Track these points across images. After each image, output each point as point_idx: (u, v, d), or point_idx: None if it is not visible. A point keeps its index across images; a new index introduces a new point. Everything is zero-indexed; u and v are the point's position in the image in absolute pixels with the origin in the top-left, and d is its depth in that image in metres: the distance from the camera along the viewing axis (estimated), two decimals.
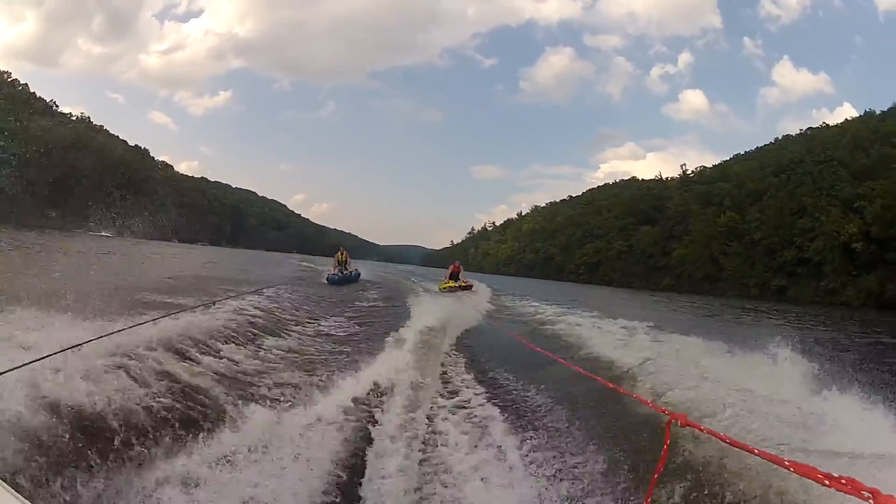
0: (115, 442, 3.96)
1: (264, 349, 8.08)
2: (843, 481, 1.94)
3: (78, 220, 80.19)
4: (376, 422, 5.23)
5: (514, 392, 7.12)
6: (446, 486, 4.17)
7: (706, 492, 3.54)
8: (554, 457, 4.71)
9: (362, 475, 4.19)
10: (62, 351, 4.15)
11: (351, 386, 6.25)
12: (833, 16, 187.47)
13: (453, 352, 9.78)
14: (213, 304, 9.30)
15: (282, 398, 5.77)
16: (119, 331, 5.13)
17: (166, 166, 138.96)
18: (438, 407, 6.19)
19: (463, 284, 22.47)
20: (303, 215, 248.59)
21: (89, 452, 3.71)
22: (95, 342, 4.60)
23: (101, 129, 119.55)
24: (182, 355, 6.12)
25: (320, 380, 6.61)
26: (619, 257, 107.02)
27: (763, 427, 4.17)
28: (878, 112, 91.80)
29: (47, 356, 3.93)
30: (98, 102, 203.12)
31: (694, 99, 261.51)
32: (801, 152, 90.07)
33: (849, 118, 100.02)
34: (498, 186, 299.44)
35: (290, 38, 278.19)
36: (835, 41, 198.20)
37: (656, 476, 3.06)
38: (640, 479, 3.80)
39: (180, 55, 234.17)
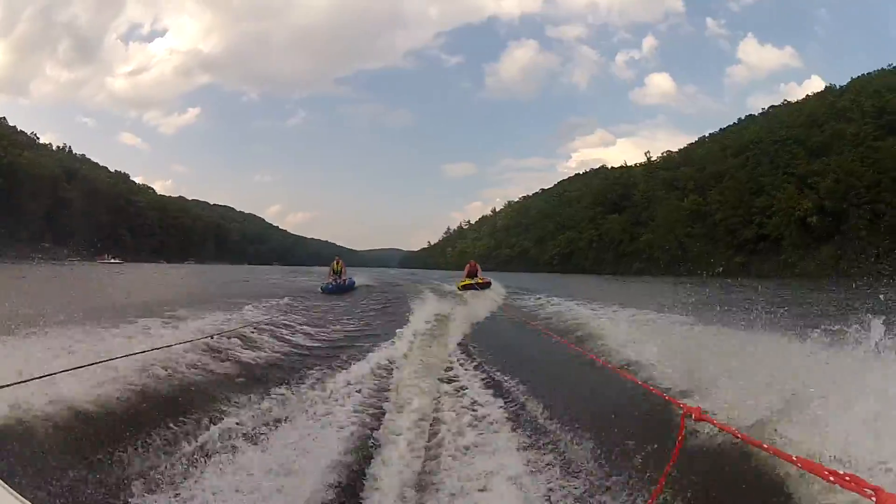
0: (119, 443, 4.00)
1: (267, 353, 8.09)
2: (847, 478, 1.96)
3: (74, 250, 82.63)
4: (381, 421, 5.05)
5: (521, 379, 6.82)
6: (454, 474, 4.06)
7: (715, 485, 3.46)
8: (561, 446, 4.52)
9: (365, 475, 4.03)
10: (104, 361, 4.71)
11: (353, 386, 6.22)
12: None
13: (459, 342, 9.66)
14: (208, 326, 9.18)
15: (288, 399, 5.68)
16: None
17: (148, 188, 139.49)
18: (445, 394, 6.11)
19: (481, 282, 22.05)
20: (280, 226, 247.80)
21: (96, 453, 3.80)
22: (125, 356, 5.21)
23: (84, 159, 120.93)
24: (191, 363, 6.37)
25: (323, 381, 6.52)
26: (590, 246, 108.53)
27: (769, 417, 3.92)
28: (837, 87, 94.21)
29: (84, 365, 4.39)
30: (69, 127, 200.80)
31: (661, 82, 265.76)
32: (761, 132, 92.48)
33: (813, 92, 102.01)
34: (470, 183, 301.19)
35: (255, 51, 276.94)
36: (798, 15, 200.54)
37: (668, 468, 3.01)
38: (652, 471, 3.61)
39: (147, 75, 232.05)
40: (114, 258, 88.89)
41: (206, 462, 3.94)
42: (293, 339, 9.71)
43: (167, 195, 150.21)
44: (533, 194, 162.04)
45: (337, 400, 5.66)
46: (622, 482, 3.77)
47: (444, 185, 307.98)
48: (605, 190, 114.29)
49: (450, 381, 6.77)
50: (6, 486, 1.65)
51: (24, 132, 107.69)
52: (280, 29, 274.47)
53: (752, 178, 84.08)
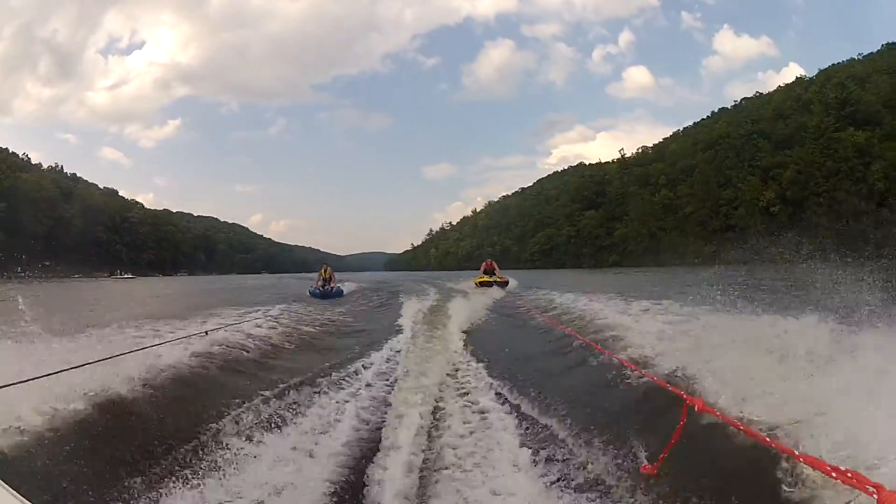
0: (122, 445, 4.04)
1: (267, 356, 8.08)
2: (850, 475, 1.98)
3: (76, 267, 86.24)
4: (384, 420, 4.91)
5: (523, 373, 6.67)
6: (456, 468, 3.99)
7: (714, 476, 3.37)
8: (559, 435, 4.48)
9: (367, 475, 3.91)
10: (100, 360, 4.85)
11: (355, 386, 6.23)
12: None
13: (462, 339, 9.52)
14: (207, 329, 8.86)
15: (288, 402, 5.58)
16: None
17: (137, 203, 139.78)
18: (447, 387, 6.07)
19: (499, 280, 21.89)
20: (264, 235, 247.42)
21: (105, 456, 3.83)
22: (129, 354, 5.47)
23: (77, 178, 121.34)
24: (190, 369, 6.28)
25: (324, 382, 6.39)
26: (569, 242, 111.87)
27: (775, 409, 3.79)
28: (807, 78, 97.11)
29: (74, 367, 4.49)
30: (50, 144, 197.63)
31: (638, 76, 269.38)
32: (729, 127, 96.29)
33: (784, 83, 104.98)
34: (451, 184, 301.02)
35: (233, 61, 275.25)
36: (773, 4, 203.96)
37: (663, 456, 3.01)
38: (650, 459, 3.58)
39: (127, 89, 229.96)
40: (126, 274, 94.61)
41: (203, 464, 3.91)
42: (292, 341, 9.65)
43: (153, 209, 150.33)
44: (513, 193, 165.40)
45: (337, 401, 5.60)
46: (618, 465, 3.73)
47: (424, 187, 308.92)
48: (582, 187, 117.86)
49: (453, 376, 6.65)
50: (6, 486, 1.65)
51: (15, 154, 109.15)
52: (257, 38, 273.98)
53: (720, 171, 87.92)
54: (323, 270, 24.05)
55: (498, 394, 5.79)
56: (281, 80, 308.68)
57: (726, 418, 3.22)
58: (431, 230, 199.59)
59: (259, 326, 9.95)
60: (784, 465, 3.03)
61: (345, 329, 12.14)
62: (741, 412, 3.68)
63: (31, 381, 3.99)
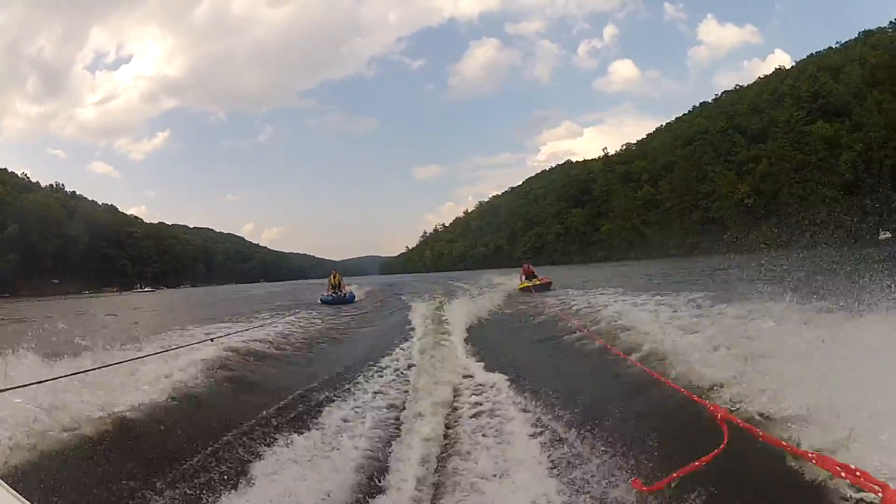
0: (126, 448, 4.15)
1: (280, 365, 8.24)
2: (858, 473, 2.04)
3: (84, 283, 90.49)
4: (398, 429, 4.96)
5: (538, 375, 6.68)
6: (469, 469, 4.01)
7: (721, 472, 3.15)
8: (576, 446, 4.30)
9: (381, 477, 3.96)
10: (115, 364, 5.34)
11: (368, 391, 6.36)
12: None
13: (469, 340, 9.69)
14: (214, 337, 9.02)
15: (304, 406, 5.73)
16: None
17: (137, 219, 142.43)
18: (463, 388, 6.18)
19: (539, 282, 21.58)
20: (259, 243, 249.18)
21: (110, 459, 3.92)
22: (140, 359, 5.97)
23: (78, 196, 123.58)
24: (201, 375, 6.42)
25: (336, 388, 6.53)
26: (557, 239, 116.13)
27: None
28: (786, 68, 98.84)
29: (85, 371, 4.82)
30: (41, 161, 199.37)
31: (624, 69, 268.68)
32: (707, 123, 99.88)
33: (764, 74, 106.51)
34: (441, 184, 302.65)
35: (219, 71, 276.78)
36: None
37: (681, 473, 2.84)
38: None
39: (115, 103, 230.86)
40: (147, 287, 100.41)
41: (211, 471, 3.95)
42: (305, 349, 9.88)
43: (150, 222, 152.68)
44: (503, 193, 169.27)
45: (352, 409, 5.66)
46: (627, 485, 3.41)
47: (415, 189, 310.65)
48: (568, 186, 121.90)
49: (467, 380, 6.66)
50: (6, 486, 1.64)
51: (14, 174, 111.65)
52: (242, 46, 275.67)
53: (698, 166, 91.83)
54: (332, 276, 24.09)
55: (510, 394, 5.81)
56: (267, 87, 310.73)
57: (768, 437, 3.07)
58: (425, 232, 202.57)
59: (276, 333, 10.66)
60: (787, 461, 3.05)
61: (356, 334, 12.78)
62: (747, 409, 3.81)
63: (33, 385, 4.13)
